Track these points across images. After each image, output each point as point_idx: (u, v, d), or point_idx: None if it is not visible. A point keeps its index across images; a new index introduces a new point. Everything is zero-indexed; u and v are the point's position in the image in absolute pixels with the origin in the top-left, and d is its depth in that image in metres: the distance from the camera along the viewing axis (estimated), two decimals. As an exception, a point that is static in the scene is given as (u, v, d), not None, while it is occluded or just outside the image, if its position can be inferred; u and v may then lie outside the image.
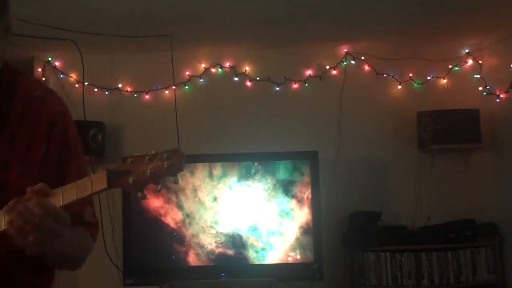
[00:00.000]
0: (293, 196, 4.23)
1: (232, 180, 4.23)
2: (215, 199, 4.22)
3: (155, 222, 4.19)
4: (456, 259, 4.36)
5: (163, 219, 4.20)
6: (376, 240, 4.40)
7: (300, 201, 4.22)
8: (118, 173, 1.32)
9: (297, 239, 4.20)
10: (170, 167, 1.28)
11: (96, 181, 1.33)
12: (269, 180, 4.24)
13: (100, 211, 4.48)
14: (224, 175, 4.24)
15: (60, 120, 1.55)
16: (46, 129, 1.52)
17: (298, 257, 4.19)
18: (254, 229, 4.20)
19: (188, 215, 4.21)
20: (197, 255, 4.18)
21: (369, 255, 4.37)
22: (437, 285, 4.32)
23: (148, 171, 1.29)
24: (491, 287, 4.36)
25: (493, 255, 4.39)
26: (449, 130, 4.46)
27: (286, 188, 4.23)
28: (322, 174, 4.24)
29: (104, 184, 1.32)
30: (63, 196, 1.35)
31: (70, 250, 1.49)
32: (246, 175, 4.25)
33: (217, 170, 4.24)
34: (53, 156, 1.52)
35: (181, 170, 1.29)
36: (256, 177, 4.24)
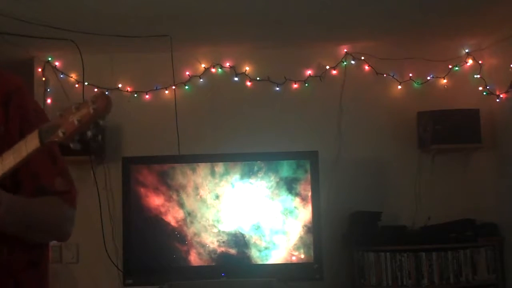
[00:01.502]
0: (297, 194, 4.21)
1: (234, 177, 4.22)
2: (217, 197, 4.21)
3: (156, 221, 4.18)
4: (456, 259, 4.36)
5: (163, 217, 4.19)
6: (376, 240, 4.40)
7: (304, 199, 4.20)
8: (48, 129, 1.34)
9: (301, 238, 4.18)
10: (96, 111, 1.31)
11: (29, 141, 1.36)
12: (272, 178, 4.22)
13: (100, 211, 4.49)
14: (226, 172, 4.22)
15: (15, 97, 1.55)
16: (2, 109, 1.52)
17: (302, 256, 4.17)
18: (257, 227, 4.19)
19: (189, 214, 4.19)
20: (199, 254, 4.16)
21: (369, 255, 4.36)
22: (437, 285, 4.32)
23: (76, 120, 1.31)
24: (491, 287, 4.36)
25: (493, 255, 4.38)
26: (449, 130, 4.46)
27: (290, 185, 4.21)
28: (322, 174, 4.24)
29: (36, 143, 1.34)
30: (3, 164, 1.38)
31: (30, 219, 1.51)
32: (248, 173, 4.22)
33: (219, 167, 4.22)
34: (14, 134, 1.52)
35: (107, 112, 1.34)
36: (259, 175, 4.22)
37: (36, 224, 1.54)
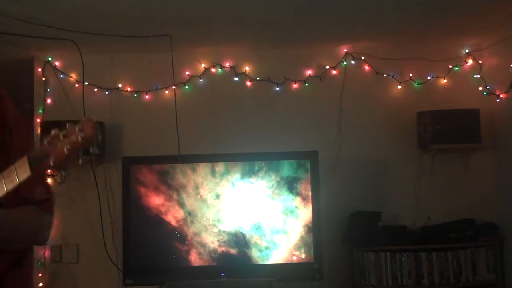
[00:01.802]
0: (297, 194, 4.19)
1: (235, 177, 4.20)
2: (217, 196, 4.19)
3: (156, 221, 4.17)
4: (456, 259, 4.36)
5: (164, 217, 4.18)
6: (376, 240, 4.40)
7: (305, 198, 4.18)
8: (38, 158, 1.38)
9: (302, 237, 4.16)
10: (84, 140, 1.35)
11: (20, 169, 1.40)
12: (273, 177, 4.20)
13: (100, 211, 4.49)
14: (227, 172, 4.21)
15: None
16: None
17: (303, 256, 4.16)
18: (257, 227, 4.18)
19: (190, 213, 4.19)
20: (199, 254, 4.15)
21: (369, 255, 4.36)
22: (437, 285, 4.32)
23: (65, 148, 1.35)
24: (491, 287, 4.36)
25: (493, 255, 4.39)
26: (449, 130, 4.46)
27: (291, 185, 4.19)
28: (322, 174, 4.24)
29: (27, 172, 1.39)
30: None
31: (8, 232, 1.56)
32: (249, 172, 4.20)
33: (220, 167, 4.21)
34: None
35: (94, 139, 1.37)
36: (260, 174, 4.20)
37: (13, 235, 1.58)
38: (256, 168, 4.21)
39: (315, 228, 4.15)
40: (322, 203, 4.22)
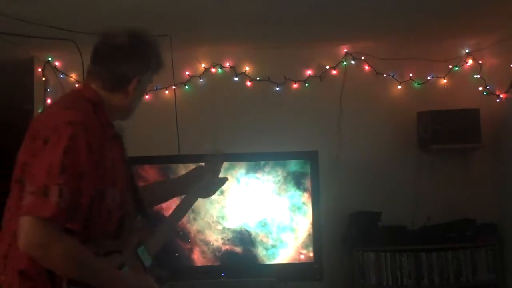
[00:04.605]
0: (305, 190, 4.13)
1: (240, 172, 4.15)
2: (221, 192, 4.10)
3: (157, 218, 4.12)
4: (456, 259, 4.36)
5: (165, 214, 4.15)
6: (376, 240, 4.40)
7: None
8: None
9: (309, 235, 4.10)
10: None
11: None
12: (279, 172, 4.14)
13: (100, 211, 4.48)
14: (231, 167, 4.14)
15: None
16: None
17: (311, 254, 4.11)
18: (263, 224, 4.13)
19: (192, 210, 4.12)
20: (202, 252, 4.11)
21: (369, 255, 4.36)
22: (437, 285, 4.32)
23: None
24: (491, 287, 4.36)
25: (493, 255, 4.39)
26: (449, 130, 4.46)
27: (298, 180, 4.13)
28: (322, 174, 4.23)
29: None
30: None
31: None
32: (255, 167, 4.15)
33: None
34: None
35: None
36: (266, 169, 4.14)
37: None
38: (262, 162, 4.15)
39: (315, 228, 4.13)
40: (322, 203, 4.21)
